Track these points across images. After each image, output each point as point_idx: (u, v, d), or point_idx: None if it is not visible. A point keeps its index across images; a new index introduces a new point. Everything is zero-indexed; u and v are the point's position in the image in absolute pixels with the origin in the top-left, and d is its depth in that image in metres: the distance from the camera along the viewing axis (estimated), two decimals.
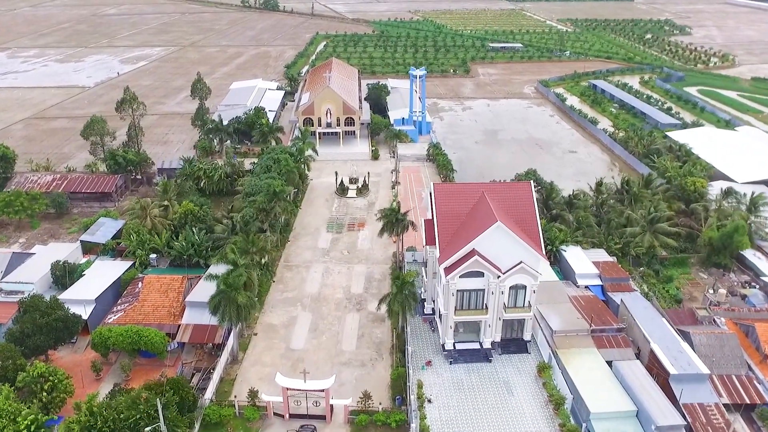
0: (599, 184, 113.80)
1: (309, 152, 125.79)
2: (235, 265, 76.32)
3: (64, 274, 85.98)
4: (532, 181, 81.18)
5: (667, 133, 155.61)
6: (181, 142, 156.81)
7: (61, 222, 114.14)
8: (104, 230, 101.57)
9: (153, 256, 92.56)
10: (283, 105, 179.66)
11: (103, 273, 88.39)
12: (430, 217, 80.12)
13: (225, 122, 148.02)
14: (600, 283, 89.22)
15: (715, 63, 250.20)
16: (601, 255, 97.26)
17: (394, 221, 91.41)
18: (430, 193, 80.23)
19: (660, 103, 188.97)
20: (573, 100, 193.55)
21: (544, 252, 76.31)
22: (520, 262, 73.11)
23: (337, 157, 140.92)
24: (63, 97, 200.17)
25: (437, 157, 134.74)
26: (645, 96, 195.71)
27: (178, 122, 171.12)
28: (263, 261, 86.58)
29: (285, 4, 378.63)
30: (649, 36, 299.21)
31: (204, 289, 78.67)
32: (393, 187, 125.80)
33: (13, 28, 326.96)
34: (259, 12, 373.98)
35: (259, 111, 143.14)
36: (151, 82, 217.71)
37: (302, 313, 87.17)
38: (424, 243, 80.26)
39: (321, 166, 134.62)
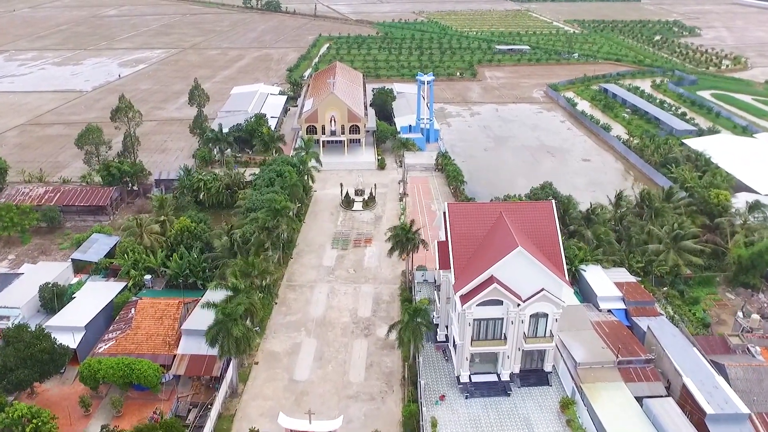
0: (619, 197, 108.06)
1: (312, 163, 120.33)
2: (236, 291, 70.88)
3: (53, 298, 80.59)
4: (553, 201, 75.38)
5: (683, 141, 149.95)
6: (179, 149, 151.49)
7: (52, 237, 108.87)
8: (97, 247, 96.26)
9: (147, 277, 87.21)
10: (285, 111, 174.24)
11: (95, 296, 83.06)
12: (444, 239, 74.64)
13: (225, 130, 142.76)
14: (623, 306, 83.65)
15: (728, 66, 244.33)
16: (623, 275, 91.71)
17: (404, 240, 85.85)
18: (444, 213, 74.83)
19: (673, 108, 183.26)
20: (584, 105, 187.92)
21: (567, 277, 70.84)
22: (542, 290, 67.68)
23: (342, 166, 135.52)
24: (59, 102, 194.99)
25: (446, 167, 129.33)
26: (658, 100, 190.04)
27: (177, 129, 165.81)
28: (264, 283, 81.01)
29: (287, 4, 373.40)
30: (658, 38, 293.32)
31: (201, 315, 73.31)
32: (401, 200, 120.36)
33: (11, 30, 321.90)
34: (261, 13, 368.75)
35: (260, 118, 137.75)
36: (150, 86, 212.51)
37: (306, 340, 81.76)
38: (438, 267, 74.70)
39: (325, 177, 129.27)
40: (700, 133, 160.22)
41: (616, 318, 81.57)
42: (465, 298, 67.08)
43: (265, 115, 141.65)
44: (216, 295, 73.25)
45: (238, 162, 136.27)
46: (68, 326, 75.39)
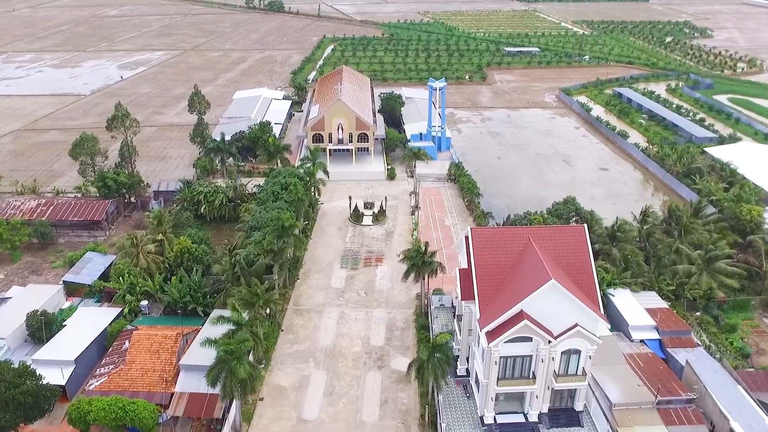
0: (646, 213, 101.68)
1: (319, 174, 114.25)
2: (238, 325, 64.76)
3: (41, 327, 74.50)
4: (585, 226, 69.17)
5: (705, 149, 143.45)
6: (180, 157, 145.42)
7: (45, 254, 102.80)
8: (91, 268, 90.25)
9: (144, 303, 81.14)
10: (290, 116, 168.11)
11: (87, 324, 77.05)
12: (466, 267, 68.45)
13: (227, 137, 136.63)
14: (657, 336, 77.44)
15: (743, 69, 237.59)
16: (654, 299, 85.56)
17: (420, 264, 79.62)
18: (467, 239, 68.67)
19: (691, 113, 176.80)
20: (598, 110, 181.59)
21: (602, 309, 64.67)
22: (576, 325, 61.54)
23: (350, 176, 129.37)
24: (57, 106, 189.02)
25: (460, 178, 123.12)
26: (674, 105, 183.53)
27: (178, 135, 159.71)
28: (270, 311, 74.74)
29: (290, 5, 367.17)
30: (669, 39, 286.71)
31: (202, 349, 67.07)
32: (412, 213, 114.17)
33: (10, 30, 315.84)
34: (263, 13, 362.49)
35: (265, 126, 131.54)
36: (150, 89, 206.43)
37: (315, 372, 75.63)
38: (460, 297, 68.46)
39: (332, 188, 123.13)
40: (721, 140, 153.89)
41: (650, 350, 75.44)
42: (492, 335, 60.94)
43: (270, 123, 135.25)
44: (216, 329, 67.08)
45: (241, 171, 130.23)
46: (56, 360, 69.41)
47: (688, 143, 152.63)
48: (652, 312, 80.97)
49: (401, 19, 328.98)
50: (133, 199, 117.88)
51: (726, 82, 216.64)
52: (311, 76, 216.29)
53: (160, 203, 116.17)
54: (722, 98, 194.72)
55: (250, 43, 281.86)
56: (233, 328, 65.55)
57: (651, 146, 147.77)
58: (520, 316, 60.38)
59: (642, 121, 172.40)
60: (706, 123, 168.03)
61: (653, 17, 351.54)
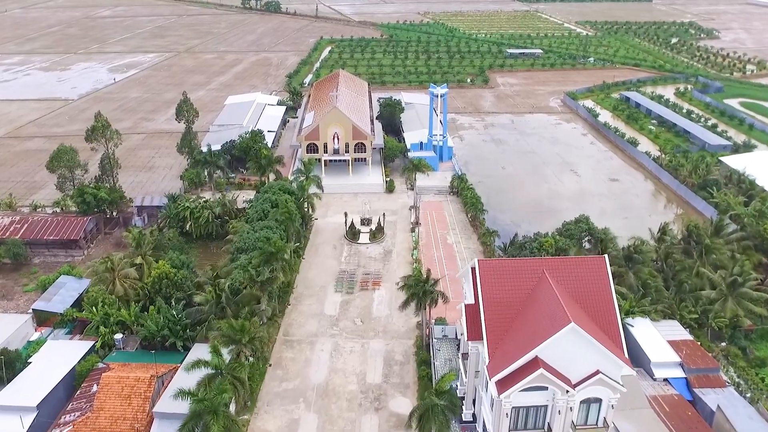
0: (663, 232, 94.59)
1: (313, 189, 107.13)
2: (217, 370, 57.59)
3: (2, 367, 67.33)
4: (606, 257, 62.00)
5: (720, 158, 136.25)
6: (168, 168, 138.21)
7: (17, 276, 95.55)
8: (64, 294, 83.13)
9: (118, 337, 73.93)
10: (284, 123, 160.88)
11: (55, 361, 69.97)
12: (473, 302, 61.31)
13: (218, 146, 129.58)
14: (683, 375, 70.29)
15: (752, 71, 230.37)
16: (676, 329, 78.50)
17: (420, 294, 72.45)
18: (473, 271, 61.48)
19: (702, 119, 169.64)
20: (605, 115, 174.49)
21: (626, 352, 57.54)
22: (597, 372, 54.36)
23: (346, 189, 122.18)
24: (43, 111, 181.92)
25: (463, 192, 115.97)
26: (684, 110, 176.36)
27: (167, 143, 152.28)
28: (256, 347, 67.55)
29: (287, 5, 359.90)
30: (675, 40, 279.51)
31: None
32: (412, 230, 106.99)
33: (0, 32, 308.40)
34: (260, 14, 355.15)
35: (256, 135, 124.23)
36: (140, 93, 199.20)
37: (305, 415, 68.51)
38: (466, 337, 61.26)
39: (328, 201, 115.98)
40: (736, 148, 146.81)
41: (676, 391, 68.29)
42: (503, 385, 53.82)
43: (262, 132, 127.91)
44: (188, 378, 59.83)
45: (230, 183, 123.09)
46: (16, 406, 62.26)
47: (701, 151, 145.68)
48: (675, 345, 73.85)
49: (400, 20, 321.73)
50: (115, 214, 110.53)
51: (736, 85, 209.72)
52: (307, 80, 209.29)
53: (144, 219, 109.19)
54: (733, 102, 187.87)
55: (246, 44, 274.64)
56: (212, 372, 58.37)
57: (663, 155, 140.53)
58: (535, 363, 53.24)
59: (652, 127, 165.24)
60: (719, 129, 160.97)
61: (657, 17, 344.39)
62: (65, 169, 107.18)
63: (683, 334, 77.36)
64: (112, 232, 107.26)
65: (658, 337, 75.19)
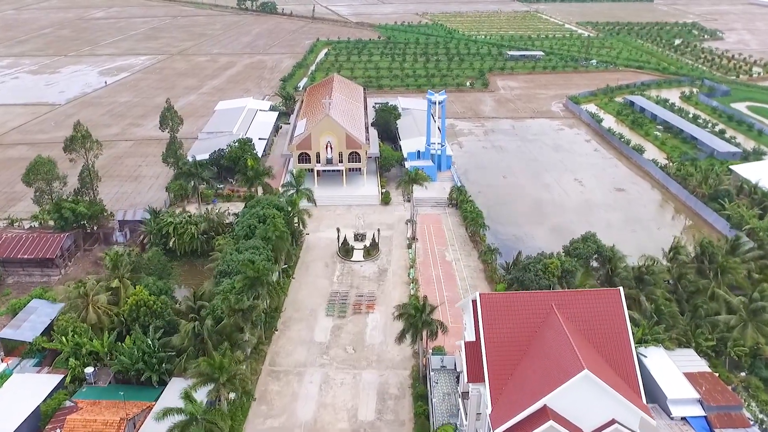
0: (676, 250, 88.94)
1: (304, 202, 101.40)
2: (192, 417, 51.85)
3: None
4: (621, 289, 56.30)
5: (731, 167, 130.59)
6: (155, 177, 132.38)
7: None
8: (34, 321, 77.34)
9: (89, 371, 68.16)
10: (276, 129, 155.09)
11: (19, 398, 64.35)
12: (474, 340, 55.63)
13: (206, 155, 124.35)
14: (702, 413, 64.51)
15: (759, 74, 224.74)
16: (692, 359, 72.79)
17: (418, 325, 66.70)
18: (474, 305, 55.79)
19: (710, 124, 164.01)
20: (609, 120, 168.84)
21: (644, 397, 51.86)
22: (613, 421, 48.78)
23: (340, 200, 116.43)
24: (28, 117, 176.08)
25: (462, 205, 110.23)
26: (690, 115, 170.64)
27: (155, 150, 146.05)
28: (235, 385, 61.62)
29: (284, 6, 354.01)
30: (678, 42, 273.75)
31: None
32: (409, 246, 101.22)
33: None
34: (255, 15, 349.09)
35: (245, 144, 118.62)
36: (130, 98, 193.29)
37: None
38: (466, 378, 55.54)
39: (320, 214, 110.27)
40: (745, 155, 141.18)
41: None
42: None
43: (251, 141, 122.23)
44: (164, 421, 54.10)
45: (218, 195, 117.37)
46: None
47: (710, 159, 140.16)
48: (692, 378, 68.09)
49: (398, 21, 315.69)
50: (95, 228, 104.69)
51: (742, 88, 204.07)
52: (302, 83, 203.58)
53: (126, 235, 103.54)
54: (740, 106, 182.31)
55: (240, 46, 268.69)
56: (185, 419, 52.65)
57: (671, 163, 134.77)
58: (544, 413, 47.61)
59: (657, 133, 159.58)
60: (727, 135, 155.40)
61: (659, 18, 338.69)
62: (42, 181, 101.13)
63: (701, 365, 71.68)
64: (91, 249, 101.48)
65: (674, 369, 69.46)
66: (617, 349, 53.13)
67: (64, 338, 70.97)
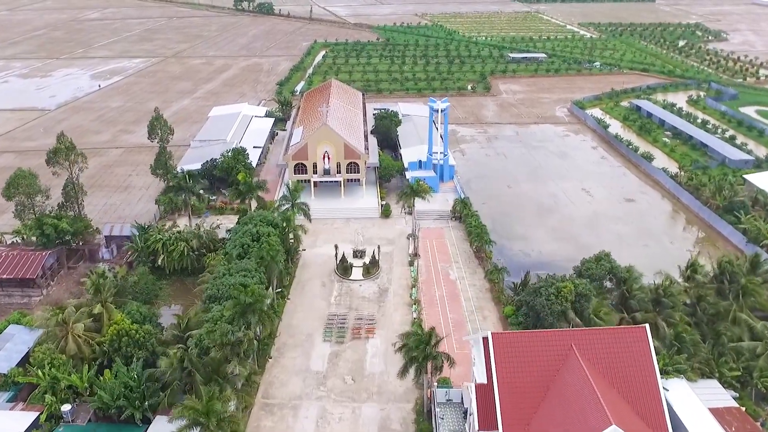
0: (693, 269, 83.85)
1: (300, 217, 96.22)
2: None
3: None
4: (647, 326, 51.21)
5: (745, 176, 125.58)
6: (145, 188, 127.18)
7: None
8: (10, 350, 72.10)
9: (67, 408, 63.04)
10: (272, 136, 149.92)
11: None
12: (485, 382, 50.47)
13: (198, 165, 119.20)
14: None
15: (766, 76, 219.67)
16: (717, 393, 67.70)
17: (421, 358, 61.52)
18: (486, 343, 50.68)
19: (719, 129, 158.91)
20: (615, 126, 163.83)
21: None
22: None
23: (338, 213, 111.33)
24: (16, 123, 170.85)
25: (467, 219, 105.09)
26: (699, 120, 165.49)
27: (146, 158, 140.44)
28: (224, 429, 56.36)
29: (281, 6, 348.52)
30: (682, 43, 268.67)
31: None
32: (411, 263, 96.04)
33: None
34: (252, 16, 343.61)
35: (238, 154, 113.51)
36: (122, 103, 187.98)
37: None
38: (478, 426, 50.40)
39: (317, 228, 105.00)
40: (759, 164, 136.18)
41: None
42: None
43: (245, 150, 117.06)
44: None
45: (210, 208, 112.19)
46: None
47: (722, 167, 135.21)
48: (719, 415, 62.94)
49: (397, 22, 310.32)
50: (81, 243, 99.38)
51: (750, 91, 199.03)
52: (299, 87, 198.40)
53: (112, 251, 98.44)
54: (749, 110, 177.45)
55: (236, 48, 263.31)
56: None
57: (682, 172, 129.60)
58: None
59: (666, 139, 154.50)
60: (738, 141, 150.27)
61: (662, 19, 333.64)
62: (24, 196, 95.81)
63: (726, 399, 66.59)
64: (76, 267, 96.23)
65: (699, 405, 64.24)
66: (643, 392, 48.16)
67: (40, 371, 65.68)
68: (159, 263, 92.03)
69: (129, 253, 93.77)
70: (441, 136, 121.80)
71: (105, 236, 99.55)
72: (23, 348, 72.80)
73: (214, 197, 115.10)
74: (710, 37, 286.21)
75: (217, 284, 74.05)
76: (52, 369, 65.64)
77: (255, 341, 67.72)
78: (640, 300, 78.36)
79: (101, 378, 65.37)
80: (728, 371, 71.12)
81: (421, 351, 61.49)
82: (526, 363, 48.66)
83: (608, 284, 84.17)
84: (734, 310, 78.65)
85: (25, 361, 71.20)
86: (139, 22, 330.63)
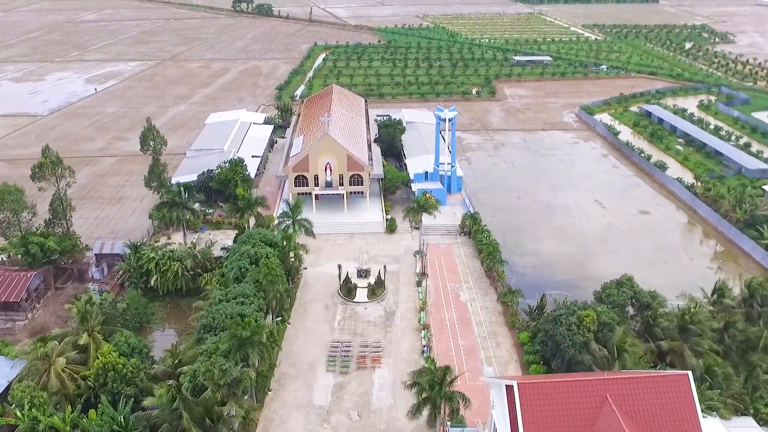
0: (720, 293, 78.73)
1: (301, 234, 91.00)
2: None
3: None
4: (689, 374, 46.04)
5: (764, 187, 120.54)
6: (139, 199, 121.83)
7: None
8: None
9: None
10: (271, 144, 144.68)
11: None
12: None
13: (193, 176, 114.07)
14: None
15: None
16: (753, 431, 62.37)
17: (436, 401, 56.28)
18: (510, 393, 45.44)
19: (734, 136, 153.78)
20: (625, 132, 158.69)
21: None
22: None
23: (341, 228, 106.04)
24: (7, 129, 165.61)
25: (476, 235, 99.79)
26: (711, 126, 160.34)
27: (140, 168, 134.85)
28: None
29: (280, 8, 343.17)
30: (689, 45, 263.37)
31: None
32: (419, 283, 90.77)
33: None
34: (251, 18, 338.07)
35: (236, 165, 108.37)
36: (117, 108, 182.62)
37: None
38: None
39: (319, 245, 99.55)
40: None
41: None
42: None
43: (243, 161, 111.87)
44: None
45: (207, 222, 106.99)
46: None
47: (739, 177, 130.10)
48: None
49: (399, 24, 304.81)
50: (70, 261, 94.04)
51: (762, 96, 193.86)
52: (299, 91, 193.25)
53: (102, 271, 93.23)
54: (762, 116, 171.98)
55: (235, 51, 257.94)
56: None
57: (698, 183, 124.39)
58: None
59: (679, 147, 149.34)
60: (753, 149, 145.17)
61: (667, 20, 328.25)
62: (9, 212, 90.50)
63: None
64: (64, 288, 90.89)
65: None
66: None
67: (19, 411, 60.40)
68: (152, 284, 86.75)
69: (120, 273, 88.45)
70: (448, 148, 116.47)
71: (95, 254, 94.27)
72: (3, 382, 67.52)
73: (210, 210, 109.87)
74: (717, 39, 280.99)
75: (212, 312, 68.75)
76: (32, 409, 60.27)
77: (253, 374, 62.32)
78: (665, 329, 73.32)
79: (85, 419, 60.04)
80: (764, 407, 65.93)
81: (435, 391, 56.21)
82: (557, 416, 43.51)
83: (630, 309, 79.12)
84: (765, 337, 73.55)
85: (4, 396, 65.93)
86: (136, 23, 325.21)
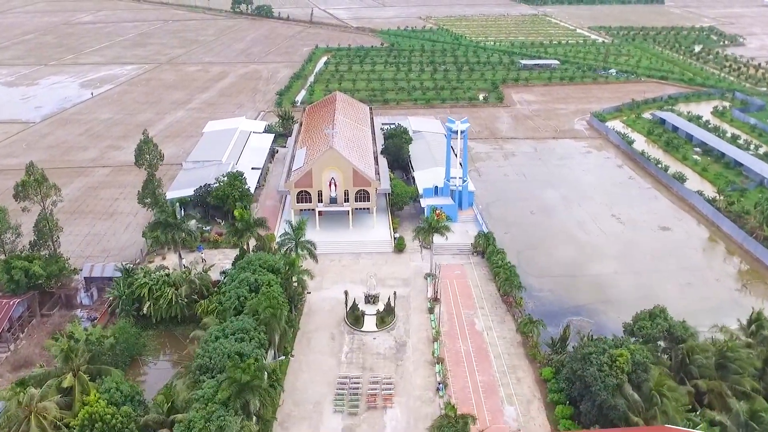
0: (759, 324, 72.76)
1: (305, 258, 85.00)
2: None
3: None
4: None
5: None
6: (132, 214, 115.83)
7: None
8: None
9: None
10: (272, 154, 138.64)
11: None
12: None
13: (190, 190, 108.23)
14: None
15: None
16: None
17: None
18: None
19: (752, 145, 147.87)
20: (639, 141, 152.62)
21: None
22: None
23: (346, 247, 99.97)
24: None
25: (491, 257, 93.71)
26: (728, 134, 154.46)
27: (134, 179, 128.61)
28: None
29: (280, 9, 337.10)
30: (698, 48, 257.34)
31: None
32: (431, 310, 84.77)
33: None
34: (250, 19, 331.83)
35: (235, 180, 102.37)
36: (112, 114, 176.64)
37: None
38: None
39: (323, 266, 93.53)
40: None
41: None
42: None
43: (242, 175, 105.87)
44: None
45: (204, 241, 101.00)
46: None
47: (760, 188, 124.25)
48: None
49: (401, 26, 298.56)
50: (58, 285, 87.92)
51: None
52: (300, 97, 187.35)
53: (92, 296, 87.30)
54: None
55: (234, 54, 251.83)
56: None
57: (721, 197, 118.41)
58: None
59: (696, 157, 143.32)
60: None
61: (674, 22, 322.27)
62: None
63: None
64: (50, 315, 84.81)
65: None
66: None
67: None
68: (144, 311, 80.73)
69: (111, 300, 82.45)
70: (460, 163, 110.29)
71: (84, 278, 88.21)
72: None
73: (208, 227, 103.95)
74: (726, 42, 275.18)
75: (209, 351, 62.63)
76: None
77: (255, 428, 56.36)
78: (701, 366, 67.36)
79: None
80: None
81: None
82: None
83: (660, 342, 73.15)
84: None
85: None
86: (134, 25, 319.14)
